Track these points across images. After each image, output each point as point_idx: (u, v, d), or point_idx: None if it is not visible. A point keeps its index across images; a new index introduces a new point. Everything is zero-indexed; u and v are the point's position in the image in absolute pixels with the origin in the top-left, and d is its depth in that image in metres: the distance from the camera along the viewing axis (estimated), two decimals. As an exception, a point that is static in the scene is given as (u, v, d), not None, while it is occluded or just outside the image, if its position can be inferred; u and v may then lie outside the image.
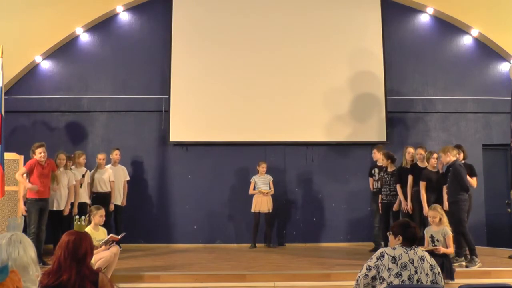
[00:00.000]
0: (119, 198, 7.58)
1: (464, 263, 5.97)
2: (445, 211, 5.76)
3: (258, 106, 8.36)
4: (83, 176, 7.14)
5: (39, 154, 6.21)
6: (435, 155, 6.63)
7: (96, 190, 7.32)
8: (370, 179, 7.58)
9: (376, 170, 7.45)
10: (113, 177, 7.47)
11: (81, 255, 2.62)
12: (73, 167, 7.07)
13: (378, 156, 7.48)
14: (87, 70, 8.49)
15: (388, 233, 3.33)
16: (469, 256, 5.98)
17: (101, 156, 7.48)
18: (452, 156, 6.20)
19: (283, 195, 8.33)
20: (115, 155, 7.66)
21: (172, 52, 8.39)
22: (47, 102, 8.37)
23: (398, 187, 6.89)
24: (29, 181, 6.13)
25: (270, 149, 8.40)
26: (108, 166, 7.61)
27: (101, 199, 7.14)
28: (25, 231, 6.00)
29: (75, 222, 2.83)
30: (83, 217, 2.91)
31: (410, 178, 6.75)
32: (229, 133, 8.32)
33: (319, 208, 8.36)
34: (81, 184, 7.09)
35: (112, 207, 7.37)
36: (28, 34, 8.02)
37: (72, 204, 6.80)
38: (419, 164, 6.81)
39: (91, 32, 8.59)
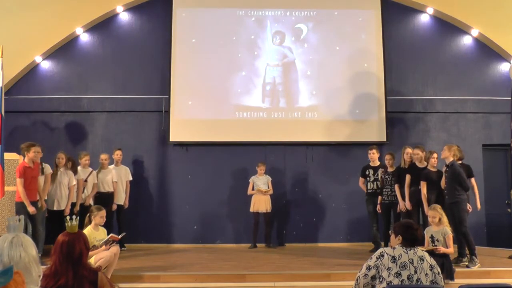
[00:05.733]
0: (122, 198, 7.59)
1: (465, 263, 5.98)
2: (445, 211, 5.76)
3: (258, 106, 8.36)
4: (86, 180, 7.14)
5: (33, 153, 6.15)
6: (435, 155, 6.62)
7: (99, 190, 7.33)
8: (361, 179, 7.49)
9: (371, 171, 7.42)
10: (116, 177, 7.50)
11: (76, 256, 2.59)
12: (79, 167, 7.12)
13: (375, 157, 7.47)
14: (87, 70, 8.49)
15: (390, 232, 3.35)
16: (468, 256, 6.00)
17: (104, 157, 7.51)
18: (453, 156, 6.19)
19: (283, 195, 8.33)
20: (117, 155, 7.67)
21: (172, 52, 8.39)
22: (47, 102, 8.37)
23: (396, 187, 6.89)
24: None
25: (270, 149, 8.40)
26: (111, 166, 7.62)
27: (104, 199, 7.16)
28: (26, 230, 6.02)
29: (66, 224, 2.76)
30: (73, 217, 2.84)
31: (408, 177, 6.74)
32: (229, 133, 8.32)
33: (319, 208, 8.36)
34: (83, 189, 7.11)
35: (114, 207, 7.40)
36: (28, 34, 8.02)
37: (73, 204, 6.81)
38: (417, 164, 6.80)
39: (91, 32, 8.59)
